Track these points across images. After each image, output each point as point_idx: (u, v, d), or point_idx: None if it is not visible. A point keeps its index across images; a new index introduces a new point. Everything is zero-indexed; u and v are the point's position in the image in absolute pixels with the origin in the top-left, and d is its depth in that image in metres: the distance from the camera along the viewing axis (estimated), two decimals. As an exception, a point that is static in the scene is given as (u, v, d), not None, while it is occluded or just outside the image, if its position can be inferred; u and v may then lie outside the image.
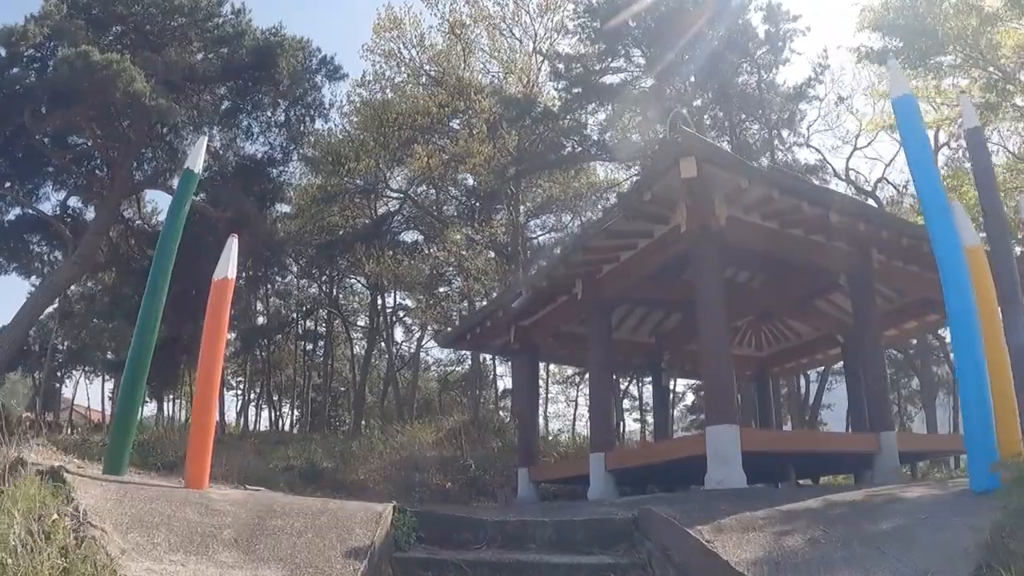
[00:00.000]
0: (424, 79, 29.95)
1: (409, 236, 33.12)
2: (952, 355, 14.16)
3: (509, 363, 23.54)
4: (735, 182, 9.19)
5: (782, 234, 10.73)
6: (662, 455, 11.30)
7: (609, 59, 26.15)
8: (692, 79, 25.61)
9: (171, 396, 38.90)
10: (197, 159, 8.05)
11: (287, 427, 39.54)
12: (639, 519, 5.86)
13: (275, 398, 41.22)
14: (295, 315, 38.87)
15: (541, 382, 33.81)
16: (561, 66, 26.28)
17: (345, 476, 17.21)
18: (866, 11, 17.17)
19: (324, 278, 36.08)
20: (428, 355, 38.53)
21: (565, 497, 15.33)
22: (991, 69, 15.68)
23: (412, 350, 37.47)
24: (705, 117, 26.10)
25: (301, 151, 31.07)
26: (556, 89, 27.45)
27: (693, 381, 27.60)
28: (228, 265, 7.57)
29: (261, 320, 37.18)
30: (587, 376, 23.54)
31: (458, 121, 29.10)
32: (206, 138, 8.64)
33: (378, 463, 18.18)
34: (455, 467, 17.13)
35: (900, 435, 11.53)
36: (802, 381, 28.74)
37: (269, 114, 29.88)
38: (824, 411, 30.91)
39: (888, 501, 5.70)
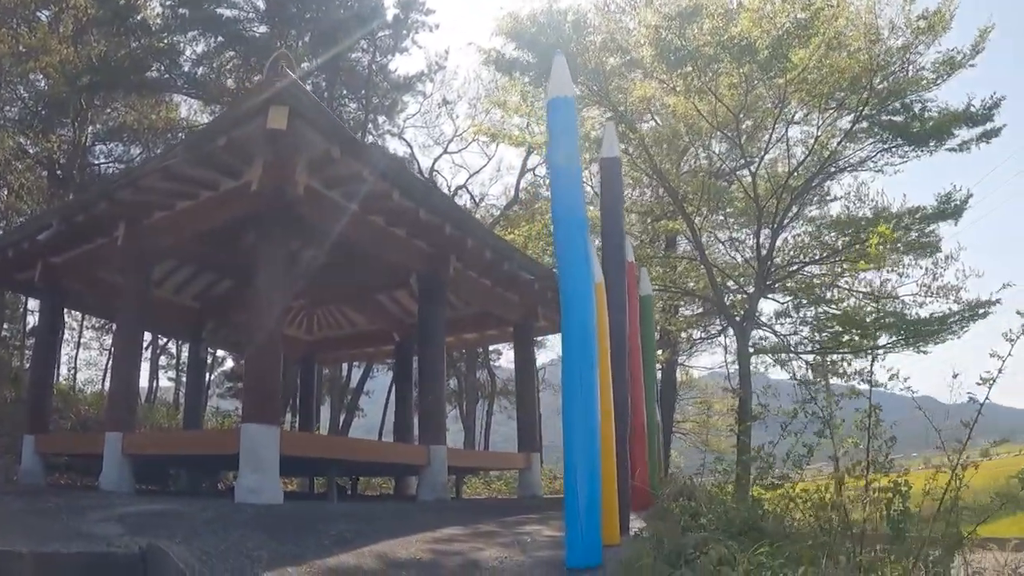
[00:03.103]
0: (30, -47, 24.58)
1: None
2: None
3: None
4: (327, 149, 7.95)
5: (361, 219, 9.73)
6: (188, 447, 9.91)
7: (230, -9, 23.80)
8: (307, 39, 24.20)
9: None
10: None
11: None
12: (148, 560, 4.32)
13: None
14: None
15: (76, 323, 29.78)
16: (175, -19, 23.28)
17: None
18: (507, 18, 16.94)
19: None
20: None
21: (78, 471, 13.14)
22: (612, 112, 16.16)
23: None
24: (308, 82, 24.81)
25: None
26: (163, 5, 24.29)
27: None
28: None
29: None
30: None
31: (48, 12, 24.29)
32: None
33: None
34: (-46, 422, 13.90)
35: (450, 451, 11.26)
36: (345, 365, 28.35)
37: None
38: (364, 397, 30.94)
39: (464, 567, 4.72)
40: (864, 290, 17.03)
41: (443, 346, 11.98)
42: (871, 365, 4.54)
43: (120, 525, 5.41)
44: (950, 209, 15.32)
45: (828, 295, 17.28)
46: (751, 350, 16.59)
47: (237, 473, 7.95)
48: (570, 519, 4.28)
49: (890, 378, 4.65)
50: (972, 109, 14.81)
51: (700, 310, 23.08)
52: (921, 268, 16.20)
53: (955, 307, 15.68)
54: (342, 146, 8.07)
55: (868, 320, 15.37)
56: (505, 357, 34.22)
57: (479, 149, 31.70)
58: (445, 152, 31.66)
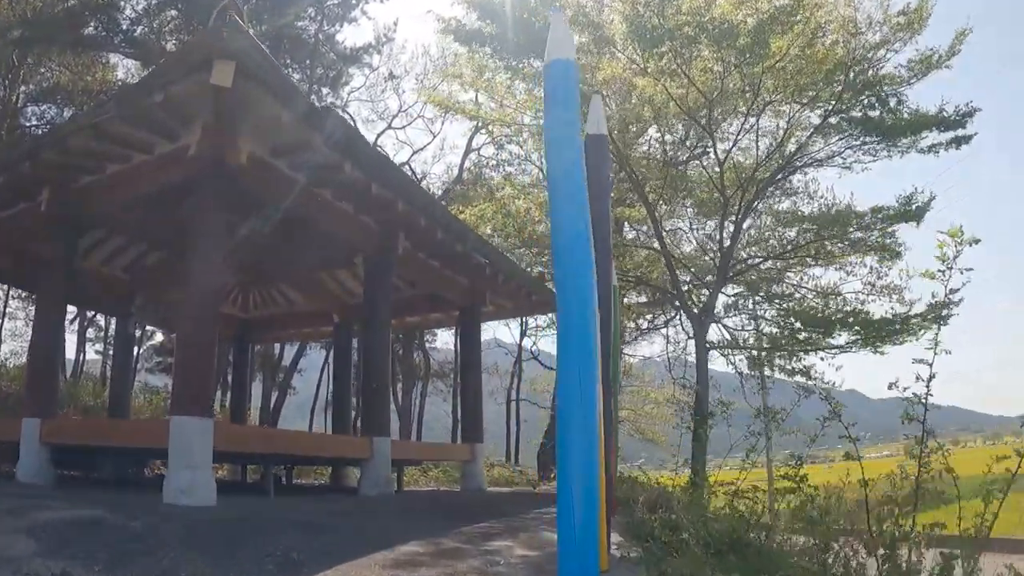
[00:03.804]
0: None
1: None
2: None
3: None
4: (276, 113, 7.17)
5: (308, 192, 8.98)
6: (114, 438, 8.98)
7: (175, -52, 22.54)
8: (253, 2, 23.00)
9: None
10: None
11: None
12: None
13: None
14: None
15: (1, 292, 28.30)
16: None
17: None
18: (469, -15, 16.21)
19: None
20: None
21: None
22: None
23: None
24: (251, 50, 23.68)
25: None
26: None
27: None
28: None
29: None
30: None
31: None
32: None
33: None
34: None
35: (394, 443, 10.64)
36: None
37: None
38: (296, 375, 30.26)
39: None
40: (808, 287, 16.96)
41: (388, 332, 11.41)
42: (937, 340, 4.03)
43: (33, 540, 4.58)
44: (912, 211, 15.18)
45: (787, 290, 17.14)
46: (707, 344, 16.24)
47: (166, 462, 7.20)
48: (564, 549, 3.57)
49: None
50: (945, 114, 14.78)
51: (644, 299, 22.64)
52: (866, 267, 16.31)
53: (899, 307, 15.69)
54: (293, 109, 7.30)
55: (831, 318, 15.17)
56: (440, 339, 33.73)
57: (424, 126, 31.10)
58: (389, 127, 31.11)
